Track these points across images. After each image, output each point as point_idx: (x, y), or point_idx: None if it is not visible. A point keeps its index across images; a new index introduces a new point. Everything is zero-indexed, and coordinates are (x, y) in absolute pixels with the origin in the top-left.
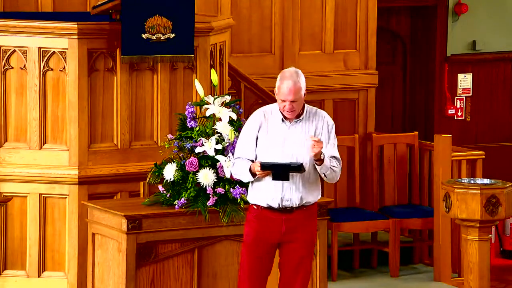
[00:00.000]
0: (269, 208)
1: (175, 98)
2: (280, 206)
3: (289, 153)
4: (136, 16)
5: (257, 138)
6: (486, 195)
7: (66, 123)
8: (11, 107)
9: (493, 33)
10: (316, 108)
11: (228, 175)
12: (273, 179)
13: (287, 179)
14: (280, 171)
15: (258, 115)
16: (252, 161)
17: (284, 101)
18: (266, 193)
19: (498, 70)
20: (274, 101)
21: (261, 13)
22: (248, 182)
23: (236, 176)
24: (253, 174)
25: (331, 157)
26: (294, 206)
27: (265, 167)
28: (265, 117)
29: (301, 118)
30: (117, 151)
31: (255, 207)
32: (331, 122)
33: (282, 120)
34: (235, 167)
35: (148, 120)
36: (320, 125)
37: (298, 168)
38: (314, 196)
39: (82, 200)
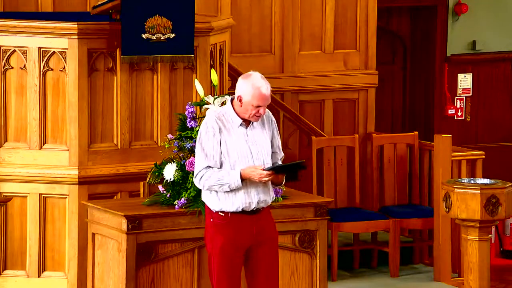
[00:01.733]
0: (241, 212)
1: (175, 98)
2: (255, 208)
3: (254, 155)
4: (136, 16)
5: (220, 143)
6: (486, 195)
7: (66, 123)
8: (11, 107)
9: (493, 33)
10: None
11: (200, 187)
12: (286, 181)
13: (297, 179)
14: (291, 172)
15: (212, 121)
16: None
17: (259, 106)
18: (241, 199)
19: (498, 70)
20: (274, 100)
21: (261, 13)
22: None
23: (212, 188)
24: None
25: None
26: (264, 206)
27: (276, 170)
28: (220, 122)
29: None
30: (117, 151)
31: (221, 214)
32: (274, 119)
33: (241, 124)
34: (208, 178)
35: (148, 120)
36: (269, 124)
37: (303, 166)
38: (273, 193)
39: (82, 200)
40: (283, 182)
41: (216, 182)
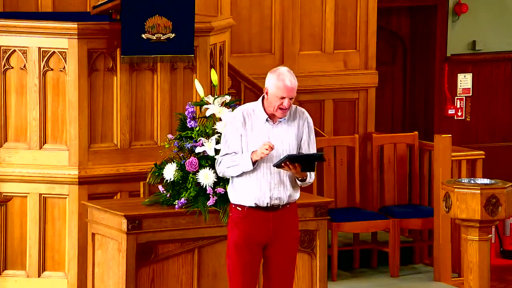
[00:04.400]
0: (256, 207)
1: (175, 98)
2: (269, 205)
3: (276, 152)
4: (136, 16)
5: (241, 136)
6: (486, 195)
7: (66, 123)
8: (11, 107)
9: (493, 33)
10: (295, 105)
11: (219, 173)
12: (302, 171)
13: (314, 170)
14: (308, 163)
15: (239, 114)
16: None
17: (283, 98)
18: (254, 193)
19: (498, 70)
20: None
21: (261, 13)
22: (225, 184)
23: (226, 171)
24: (254, 162)
25: None
26: (282, 204)
27: (292, 159)
28: (247, 116)
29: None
30: (117, 151)
31: (239, 208)
32: (310, 120)
33: (267, 120)
34: (225, 161)
35: (148, 120)
36: (301, 124)
37: (321, 158)
38: (298, 193)
39: (82, 200)
40: (309, 177)
41: (230, 163)
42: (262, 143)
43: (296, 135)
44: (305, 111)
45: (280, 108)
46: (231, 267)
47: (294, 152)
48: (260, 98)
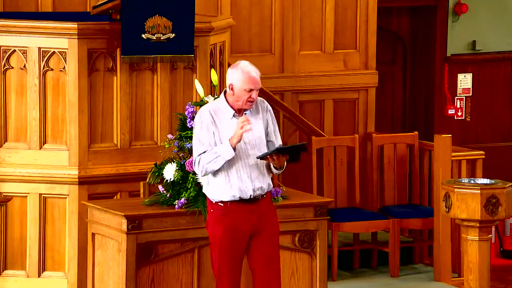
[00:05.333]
0: (239, 201)
1: (175, 98)
2: (252, 196)
3: (249, 144)
4: (136, 16)
5: (213, 134)
6: (486, 195)
7: (66, 123)
8: (11, 107)
9: (493, 33)
10: None
11: (200, 174)
12: (288, 162)
13: (299, 160)
14: (293, 154)
15: (206, 113)
16: None
17: (251, 90)
18: (236, 186)
19: (498, 70)
20: (274, 100)
21: (261, 13)
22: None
23: (207, 167)
24: (234, 148)
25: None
26: (263, 194)
27: (280, 150)
28: (214, 114)
29: (249, 110)
30: (117, 151)
31: (221, 204)
32: (270, 108)
33: (234, 115)
34: (203, 158)
35: (148, 120)
36: (265, 113)
37: (304, 148)
38: (270, 181)
39: (82, 200)
40: (285, 165)
41: (211, 157)
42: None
43: (263, 125)
44: (265, 100)
45: (249, 101)
46: (217, 263)
47: (264, 141)
48: (222, 94)
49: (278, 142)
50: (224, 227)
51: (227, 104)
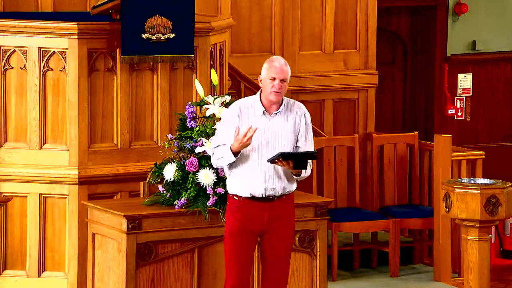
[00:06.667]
0: (252, 198)
1: (175, 98)
2: (264, 195)
3: (271, 144)
4: (136, 16)
5: (237, 128)
6: (486, 195)
7: (66, 123)
8: (11, 107)
9: (493, 33)
10: (293, 100)
11: (214, 165)
12: (294, 168)
13: (306, 168)
14: (300, 160)
15: (235, 107)
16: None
17: (274, 79)
18: (249, 183)
19: (498, 70)
20: None
21: (261, 13)
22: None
23: (217, 163)
24: (235, 153)
25: None
26: (277, 195)
27: (285, 156)
28: (244, 109)
29: (280, 109)
30: (117, 151)
31: (236, 198)
32: (308, 115)
33: (263, 112)
34: (216, 153)
35: (148, 120)
36: (298, 117)
37: (313, 156)
38: (294, 185)
39: (82, 200)
40: (303, 173)
41: (219, 155)
42: (257, 136)
43: (292, 128)
44: (303, 106)
45: (274, 91)
46: (227, 253)
47: (290, 144)
48: (258, 92)
49: (306, 149)
50: (235, 220)
51: (259, 100)
